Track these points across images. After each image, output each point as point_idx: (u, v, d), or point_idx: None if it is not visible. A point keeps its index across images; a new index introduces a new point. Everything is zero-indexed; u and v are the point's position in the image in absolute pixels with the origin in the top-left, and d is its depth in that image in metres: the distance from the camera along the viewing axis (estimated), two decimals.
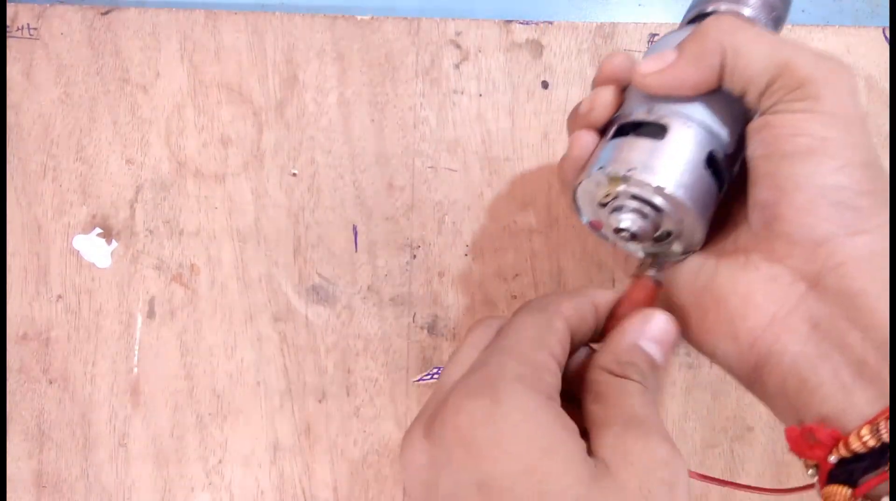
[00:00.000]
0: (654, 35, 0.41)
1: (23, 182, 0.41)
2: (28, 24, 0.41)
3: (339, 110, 0.41)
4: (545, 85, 0.41)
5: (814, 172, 0.24)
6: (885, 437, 0.21)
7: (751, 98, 0.25)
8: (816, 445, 0.23)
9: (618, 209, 0.27)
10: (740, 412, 0.40)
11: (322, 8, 0.44)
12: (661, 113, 0.27)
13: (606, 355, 0.26)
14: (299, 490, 0.40)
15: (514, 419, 0.22)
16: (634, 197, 0.27)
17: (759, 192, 0.25)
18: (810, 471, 0.24)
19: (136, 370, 0.40)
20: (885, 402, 0.21)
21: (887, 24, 0.42)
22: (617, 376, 0.25)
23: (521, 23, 0.41)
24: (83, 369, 0.40)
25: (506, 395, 0.22)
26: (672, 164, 0.26)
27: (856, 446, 0.22)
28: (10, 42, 0.41)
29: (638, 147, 0.27)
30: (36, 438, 0.40)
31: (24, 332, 0.40)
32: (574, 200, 0.29)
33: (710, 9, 0.29)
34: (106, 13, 0.41)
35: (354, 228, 0.41)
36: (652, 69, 0.26)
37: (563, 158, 0.30)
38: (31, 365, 0.40)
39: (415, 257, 0.41)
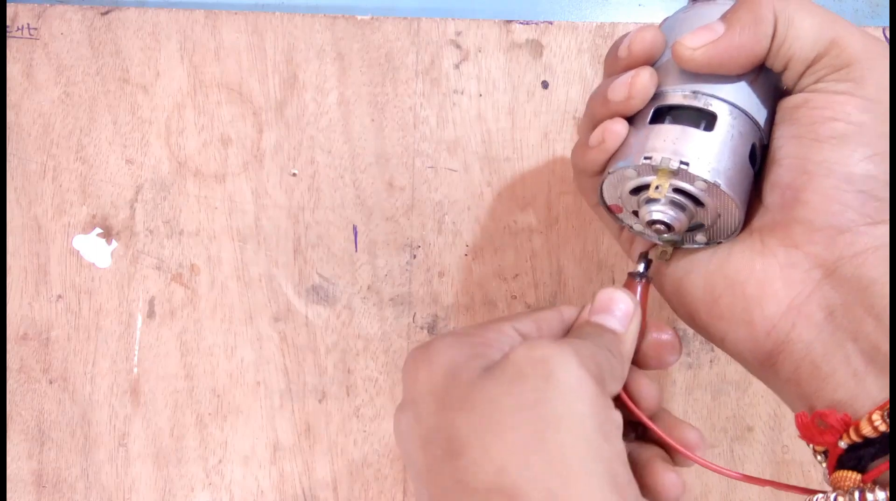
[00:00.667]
0: None
1: (23, 182, 0.41)
2: (28, 24, 0.41)
3: (339, 110, 0.41)
4: (545, 85, 0.41)
5: (845, 159, 0.23)
6: None
7: (791, 73, 0.25)
8: (826, 430, 0.23)
9: (654, 201, 0.26)
10: (740, 412, 0.40)
11: (322, 8, 0.44)
12: (707, 98, 0.25)
13: (573, 331, 0.27)
14: (299, 490, 0.40)
15: (436, 357, 0.25)
16: (677, 190, 0.25)
17: (783, 174, 0.25)
18: (819, 457, 0.24)
19: (136, 369, 0.40)
20: None
21: (887, 24, 0.42)
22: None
23: (522, 23, 0.41)
24: (83, 369, 0.40)
25: (432, 342, 0.25)
26: (723, 158, 0.25)
27: (866, 431, 0.21)
28: (10, 42, 0.41)
29: (689, 137, 0.25)
30: (36, 438, 0.40)
31: (24, 332, 0.40)
32: (600, 186, 0.28)
33: None
34: (106, 13, 0.41)
35: (354, 228, 0.41)
36: (700, 42, 0.25)
37: (586, 146, 0.27)
38: (32, 365, 0.40)
39: (415, 257, 0.41)
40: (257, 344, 0.40)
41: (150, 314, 0.40)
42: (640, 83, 0.26)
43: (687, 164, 0.24)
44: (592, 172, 0.28)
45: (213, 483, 0.40)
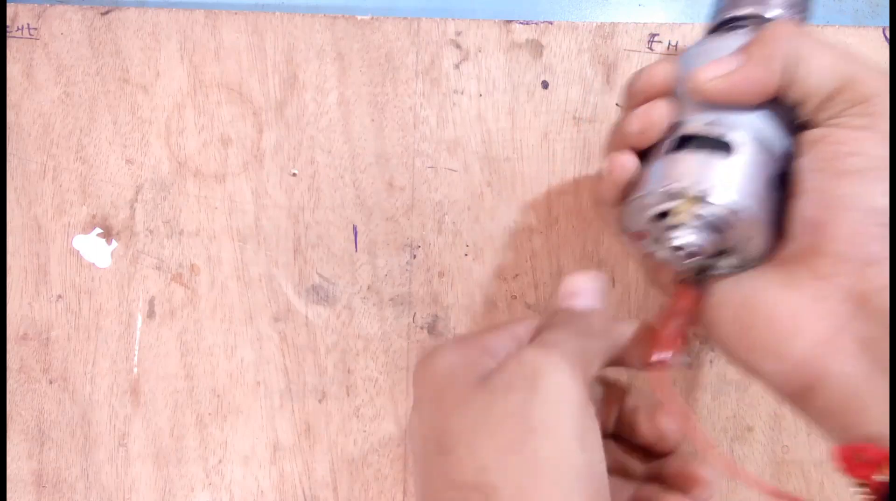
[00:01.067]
0: (654, 35, 0.41)
1: (23, 182, 0.41)
2: (28, 24, 0.41)
3: (339, 110, 0.41)
4: (545, 85, 0.41)
5: (866, 193, 0.24)
6: None
7: (808, 107, 0.25)
8: (864, 464, 0.23)
9: (679, 226, 0.26)
10: (740, 412, 0.40)
11: (322, 8, 0.44)
12: (726, 126, 0.26)
13: (545, 324, 0.28)
14: (299, 490, 0.40)
15: (439, 363, 0.27)
16: (701, 215, 0.26)
17: (808, 207, 0.25)
18: (858, 490, 0.24)
19: (136, 369, 0.40)
20: None
21: (887, 24, 0.41)
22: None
23: (521, 23, 0.41)
24: (83, 369, 0.40)
25: (437, 349, 0.28)
26: (743, 185, 0.25)
27: None
28: (9, 42, 0.41)
29: (710, 165, 0.25)
30: (36, 438, 0.40)
31: (24, 332, 0.40)
32: (621, 214, 0.28)
33: (737, 13, 0.28)
34: (106, 13, 0.41)
35: (354, 228, 0.41)
36: (714, 74, 0.26)
37: (605, 181, 0.29)
38: (32, 365, 0.40)
39: (415, 257, 0.41)
40: (257, 344, 0.40)
41: (150, 313, 0.40)
42: (655, 115, 0.27)
43: (707, 190, 0.25)
44: (608, 203, 0.29)
45: (214, 483, 0.40)
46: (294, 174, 0.41)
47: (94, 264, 0.40)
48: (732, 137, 0.26)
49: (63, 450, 0.40)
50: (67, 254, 0.40)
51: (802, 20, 0.29)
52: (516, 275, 0.40)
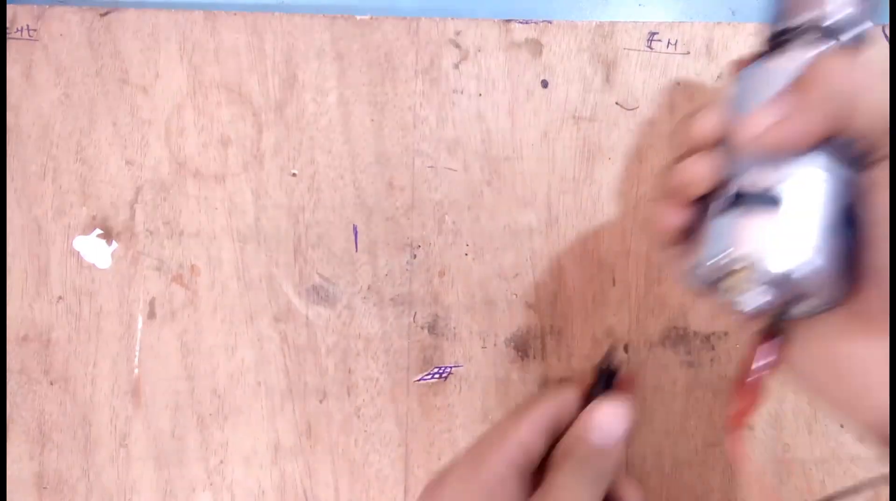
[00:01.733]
0: (653, 34, 0.41)
1: (23, 183, 0.41)
2: (27, 26, 0.41)
3: (338, 110, 0.41)
4: (545, 84, 0.41)
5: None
6: None
7: (868, 143, 0.24)
8: None
9: (740, 292, 0.25)
10: None
11: (321, 8, 0.44)
12: (778, 178, 0.24)
13: (558, 446, 0.30)
14: (300, 490, 0.40)
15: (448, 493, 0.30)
16: (761, 280, 0.24)
17: (880, 256, 0.23)
18: None
19: (136, 370, 0.40)
20: None
21: (887, 22, 0.41)
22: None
23: (521, 22, 0.41)
24: (84, 370, 0.40)
25: (446, 476, 0.30)
26: (800, 241, 0.24)
27: None
28: (9, 43, 0.41)
29: (763, 227, 0.24)
30: (37, 439, 0.40)
31: (24, 333, 0.40)
32: (683, 276, 0.27)
33: (795, 24, 0.27)
34: (105, 14, 0.41)
35: (354, 228, 0.41)
36: (763, 126, 0.24)
37: (658, 228, 0.29)
38: (32, 366, 0.40)
39: (415, 256, 0.41)
40: (258, 345, 0.40)
41: (151, 314, 0.40)
42: (702, 171, 0.26)
43: (763, 257, 0.24)
44: (667, 246, 0.29)
45: (215, 483, 0.40)
46: (294, 174, 0.41)
47: (94, 265, 0.40)
48: (785, 190, 0.24)
49: (64, 451, 0.40)
50: (68, 255, 0.40)
51: (865, 19, 0.27)
52: (516, 274, 0.40)
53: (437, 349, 0.40)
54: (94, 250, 0.40)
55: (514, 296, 0.40)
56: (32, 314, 0.40)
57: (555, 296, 0.40)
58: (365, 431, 0.40)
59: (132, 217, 0.41)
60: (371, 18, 0.41)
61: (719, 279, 0.25)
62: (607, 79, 0.41)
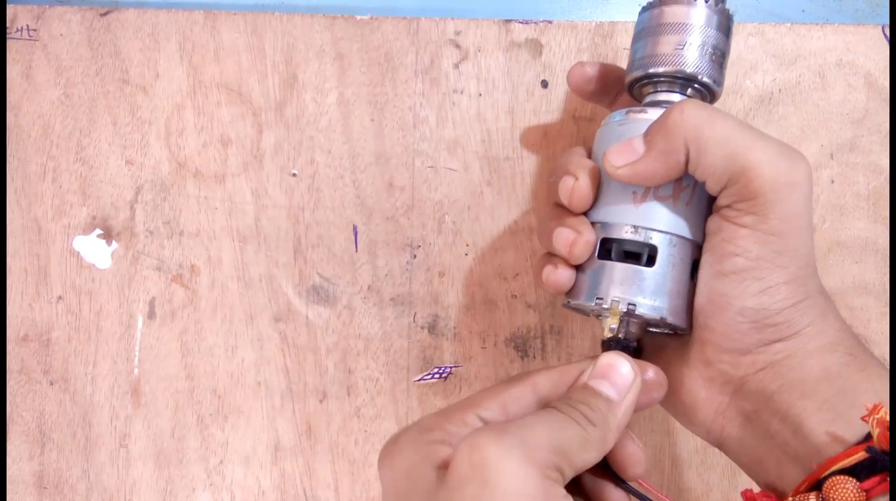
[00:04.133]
0: None
1: (23, 183, 0.41)
2: (27, 26, 0.41)
3: (338, 110, 0.41)
4: (545, 84, 0.41)
5: (742, 294, 0.26)
6: None
7: (711, 189, 0.27)
8: None
9: (611, 325, 0.29)
10: None
11: (321, 8, 0.44)
12: (647, 232, 0.28)
13: (563, 397, 0.27)
14: (300, 490, 0.40)
15: (396, 456, 0.26)
16: (630, 320, 0.29)
17: (699, 299, 0.28)
18: None
19: (136, 370, 0.40)
20: (808, 474, 0.25)
21: (887, 22, 0.41)
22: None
23: (521, 22, 0.41)
24: (84, 370, 0.40)
25: (399, 436, 0.27)
26: (665, 290, 0.28)
27: None
28: (9, 43, 0.41)
29: (632, 276, 0.28)
30: (37, 439, 0.40)
31: (24, 333, 0.40)
32: (567, 303, 0.31)
33: (654, 72, 0.30)
34: (105, 14, 0.41)
35: (354, 228, 0.41)
36: (623, 161, 0.28)
37: (548, 285, 0.31)
38: (32, 366, 0.40)
39: (415, 256, 0.41)
40: (258, 345, 0.40)
41: (151, 314, 0.40)
42: (579, 193, 0.30)
43: (634, 305, 0.28)
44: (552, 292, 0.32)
45: (215, 483, 0.40)
46: (294, 174, 0.41)
47: (94, 265, 0.40)
48: (654, 241, 0.28)
49: (64, 451, 0.40)
50: (68, 255, 0.40)
51: (723, 55, 0.30)
52: (516, 274, 0.40)
53: (437, 349, 0.40)
54: (94, 250, 0.40)
55: (514, 296, 0.40)
56: (32, 314, 0.40)
57: (554, 296, 0.40)
58: (365, 431, 0.40)
59: (132, 217, 0.41)
60: (371, 18, 0.41)
61: (593, 312, 0.31)
62: None
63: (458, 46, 0.41)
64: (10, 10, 0.41)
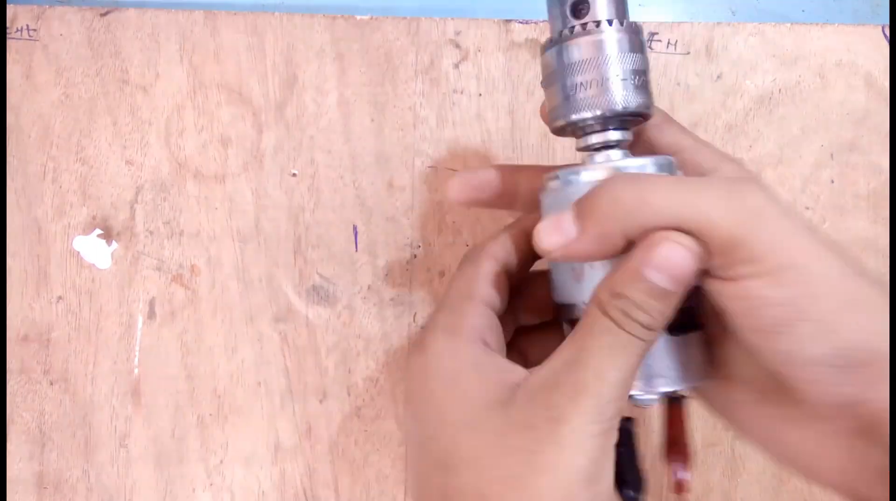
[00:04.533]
0: (654, 34, 0.41)
1: (23, 183, 0.41)
2: (27, 26, 0.41)
3: (338, 110, 0.41)
4: None
5: (798, 345, 0.22)
6: None
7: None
8: None
9: None
10: None
11: (321, 8, 0.44)
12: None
13: (604, 284, 0.24)
14: (300, 491, 0.40)
15: (438, 365, 0.25)
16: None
17: (767, 365, 0.24)
18: None
19: (136, 371, 0.40)
20: None
21: (887, 22, 0.42)
22: (600, 312, 0.23)
23: (521, 22, 0.41)
24: (84, 370, 0.40)
25: (430, 345, 0.26)
26: (668, 363, 0.26)
27: None
28: (9, 43, 0.41)
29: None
30: (37, 439, 0.40)
31: (24, 333, 0.40)
32: None
33: (585, 115, 0.26)
34: (105, 14, 0.41)
35: (354, 228, 0.41)
36: (555, 245, 0.25)
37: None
38: (32, 366, 0.40)
39: (415, 256, 0.41)
40: (258, 345, 0.40)
41: (151, 315, 0.40)
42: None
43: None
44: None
45: (215, 483, 0.40)
46: (294, 175, 0.41)
47: (94, 265, 0.40)
48: None
49: (64, 452, 0.40)
50: (68, 255, 0.40)
51: (646, 82, 0.27)
52: None
53: None
54: (94, 250, 0.40)
55: None
56: (32, 314, 0.40)
57: None
58: (365, 431, 0.40)
59: (132, 217, 0.41)
60: (371, 18, 0.41)
61: None
62: None
63: (458, 46, 0.41)
64: (10, 10, 0.41)
